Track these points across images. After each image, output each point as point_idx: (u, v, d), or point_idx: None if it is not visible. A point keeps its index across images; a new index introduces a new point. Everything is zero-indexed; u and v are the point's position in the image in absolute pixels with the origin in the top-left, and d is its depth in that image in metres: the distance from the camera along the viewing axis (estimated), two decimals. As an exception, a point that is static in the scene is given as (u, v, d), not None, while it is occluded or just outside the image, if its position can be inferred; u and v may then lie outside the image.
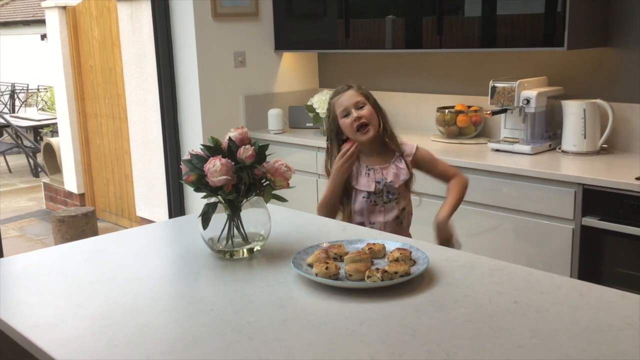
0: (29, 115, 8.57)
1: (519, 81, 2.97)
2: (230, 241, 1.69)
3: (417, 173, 2.28)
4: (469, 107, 3.40)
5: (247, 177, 1.62)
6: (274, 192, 1.68)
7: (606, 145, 2.92)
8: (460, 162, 2.90)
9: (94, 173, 5.61)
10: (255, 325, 1.31)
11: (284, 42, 4.03)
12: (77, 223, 4.67)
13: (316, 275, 1.49)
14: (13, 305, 1.45)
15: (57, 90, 5.77)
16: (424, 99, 3.72)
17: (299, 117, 3.91)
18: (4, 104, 11.37)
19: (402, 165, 2.22)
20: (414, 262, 1.57)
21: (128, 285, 1.54)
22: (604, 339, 1.22)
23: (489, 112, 3.08)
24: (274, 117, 3.82)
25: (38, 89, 11.60)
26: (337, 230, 1.95)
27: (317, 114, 3.61)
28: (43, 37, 12.94)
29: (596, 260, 2.57)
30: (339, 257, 1.60)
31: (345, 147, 2.19)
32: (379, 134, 2.21)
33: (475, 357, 1.16)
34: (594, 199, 2.52)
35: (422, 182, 2.34)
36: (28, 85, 11.68)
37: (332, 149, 2.27)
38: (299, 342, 1.24)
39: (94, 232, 4.76)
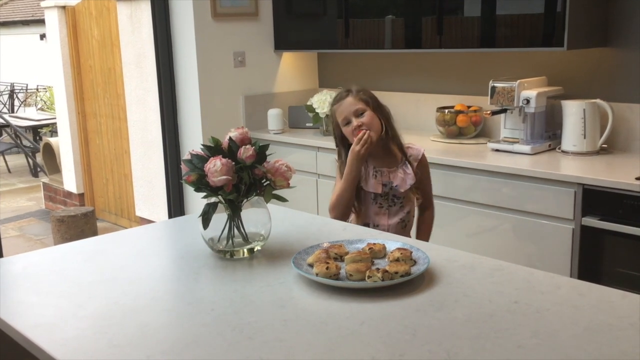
0: (28, 115, 8.57)
1: (518, 81, 2.97)
2: (230, 241, 1.69)
3: None
4: (469, 107, 3.40)
5: (248, 177, 1.62)
6: (275, 192, 1.68)
7: (606, 145, 2.92)
8: (460, 162, 2.91)
9: (93, 173, 5.61)
10: (255, 325, 1.31)
11: (283, 42, 4.03)
12: (77, 223, 4.67)
13: (317, 275, 1.49)
14: (13, 305, 1.45)
15: (56, 90, 5.77)
16: (424, 99, 3.72)
17: (298, 117, 3.91)
18: (3, 103, 11.37)
19: (409, 170, 2.22)
20: (415, 262, 1.57)
21: (128, 285, 1.54)
22: (604, 338, 1.22)
23: (488, 112, 3.08)
24: (274, 117, 3.82)
25: (37, 89, 11.59)
26: (337, 230, 1.95)
27: (317, 113, 3.61)
28: (42, 36, 12.94)
29: (596, 260, 2.57)
30: (340, 257, 1.60)
31: (358, 134, 2.15)
32: (382, 139, 2.19)
33: (475, 356, 1.16)
34: (594, 199, 2.52)
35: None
36: (27, 85, 11.67)
37: (341, 152, 2.26)
38: (300, 342, 1.24)
39: (94, 232, 4.76)
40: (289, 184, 1.69)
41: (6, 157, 8.18)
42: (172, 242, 2.01)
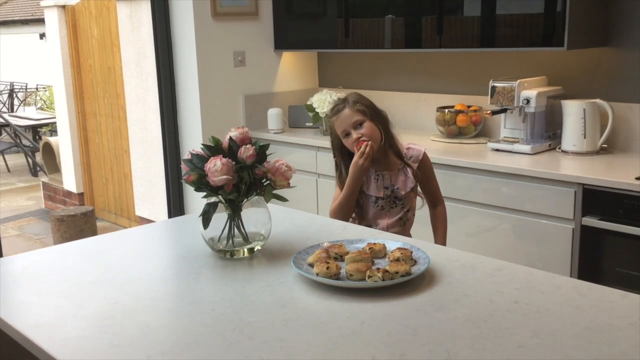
0: (27, 115, 8.56)
1: (518, 81, 2.97)
2: (230, 241, 1.69)
3: None
4: (469, 106, 3.40)
5: (248, 177, 1.62)
6: (275, 191, 1.68)
7: (606, 145, 2.92)
8: (460, 162, 2.91)
9: (93, 172, 5.60)
10: (256, 325, 1.31)
11: (283, 41, 4.03)
12: (76, 222, 4.66)
13: (317, 275, 1.49)
14: (13, 305, 1.45)
15: (56, 90, 5.77)
16: (424, 98, 3.72)
17: (298, 116, 3.91)
18: (2, 103, 11.36)
19: (409, 173, 2.23)
20: (415, 262, 1.57)
21: (128, 285, 1.54)
22: (604, 338, 1.22)
23: (488, 111, 3.08)
24: (274, 116, 3.82)
25: (37, 88, 11.59)
26: (337, 230, 1.95)
27: (317, 113, 3.61)
28: (42, 36, 12.94)
29: (596, 260, 2.57)
30: (340, 257, 1.60)
31: (359, 145, 2.15)
32: (384, 145, 2.20)
33: (476, 356, 1.16)
34: (594, 199, 2.52)
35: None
36: (27, 84, 11.67)
37: (341, 163, 2.26)
38: (300, 341, 1.24)
39: (93, 232, 4.75)
40: (289, 183, 1.69)
41: (6, 156, 8.18)
42: (172, 241, 2.01)
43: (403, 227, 2.24)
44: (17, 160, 8.43)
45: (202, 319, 1.34)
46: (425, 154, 2.29)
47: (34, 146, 7.91)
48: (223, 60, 3.83)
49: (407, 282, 1.47)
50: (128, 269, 1.65)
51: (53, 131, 8.43)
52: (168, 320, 1.38)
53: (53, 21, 5.48)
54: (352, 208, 2.23)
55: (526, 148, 2.95)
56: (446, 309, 1.36)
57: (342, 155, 2.25)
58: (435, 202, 2.37)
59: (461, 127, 3.36)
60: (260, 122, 3.94)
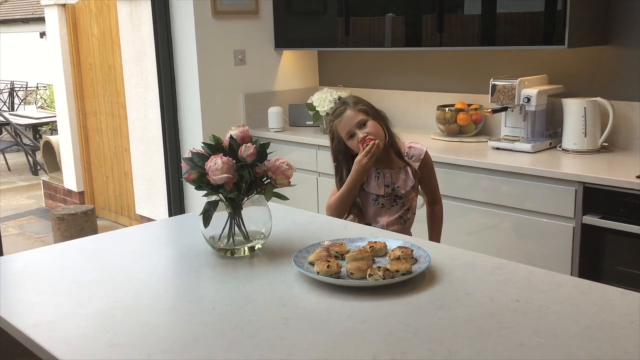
0: (28, 113, 8.56)
1: (519, 79, 2.96)
2: (231, 239, 1.69)
3: None
4: (469, 105, 3.39)
5: (248, 175, 1.62)
6: (275, 190, 1.68)
7: (607, 144, 2.92)
8: (461, 161, 2.91)
9: (93, 171, 5.60)
10: (256, 323, 1.30)
11: (284, 40, 4.03)
12: (77, 221, 4.67)
13: (317, 273, 1.49)
14: (14, 304, 1.44)
15: (56, 88, 5.77)
16: (424, 97, 3.72)
17: (299, 115, 3.91)
18: (3, 101, 11.36)
19: (410, 171, 2.24)
20: (416, 261, 1.56)
21: (129, 283, 1.54)
22: (605, 337, 1.22)
23: (489, 110, 3.08)
24: (274, 115, 3.82)
25: (37, 87, 11.59)
26: (338, 228, 1.95)
27: (317, 112, 3.61)
28: (42, 34, 12.94)
29: (597, 259, 2.57)
30: (341, 256, 1.60)
31: (366, 144, 2.14)
32: (387, 144, 2.20)
33: (476, 355, 1.16)
34: (595, 197, 2.52)
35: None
36: (27, 83, 11.66)
37: (341, 169, 2.25)
38: (301, 340, 1.24)
39: (94, 230, 4.76)
40: (289, 182, 1.68)
41: (6, 155, 8.18)
42: (172, 240, 2.01)
43: (403, 225, 2.24)
44: (17, 159, 8.43)
45: (202, 318, 1.34)
46: (426, 153, 2.29)
47: (35, 145, 7.91)
48: (223, 59, 3.83)
49: (408, 280, 1.47)
50: (128, 268, 1.65)
51: (53, 130, 8.42)
52: (168, 319, 1.37)
53: (53, 20, 5.48)
54: (349, 205, 2.22)
55: (527, 146, 2.95)
56: (447, 307, 1.36)
57: (346, 158, 2.23)
58: (434, 200, 2.37)
59: (462, 125, 3.36)
60: (260, 120, 3.94)
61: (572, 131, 2.89)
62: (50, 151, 6.22)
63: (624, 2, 2.90)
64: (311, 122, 3.77)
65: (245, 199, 1.67)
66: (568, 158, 2.86)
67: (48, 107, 10.23)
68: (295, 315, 1.35)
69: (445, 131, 3.41)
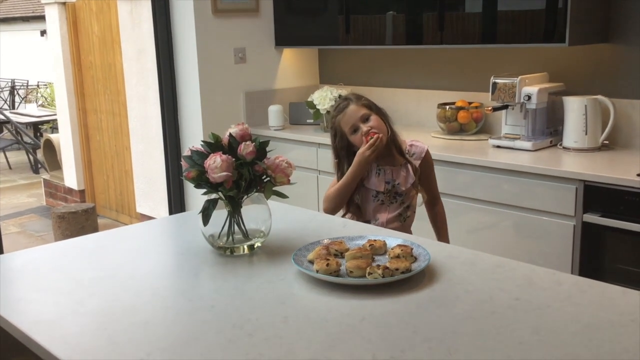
0: (28, 112, 8.55)
1: (520, 77, 2.96)
2: (230, 238, 1.68)
3: None
4: (470, 103, 3.39)
5: (248, 174, 1.62)
6: (275, 188, 1.67)
7: (607, 142, 2.91)
8: (461, 159, 2.90)
9: (94, 169, 5.60)
10: (255, 322, 1.30)
11: (284, 38, 4.02)
12: (77, 219, 4.67)
13: (317, 271, 1.49)
14: (13, 302, 1.44)
15: (57, 87, 5.77)
16: (425, 95, 3.71)
17: (299, 113, 3.90)
18: (3, 100, 11.36)
19: (411, 169, 2.24)
20: (415, 259, 1.56)
21: (128, 282, 1.54)
22: (605, 335, 1.21)
23: (489, 108, 3.07)
24: (275, 113, 3.81)
25: (38, 85, 11.59)
26: (338, 226, 1.95)
27: (318, 110, 3.60)
28: (43, 33, 12.93)
29: (597, 257, 2.56)
30: (340, 254, 1.60)
31: (370, 137, 2.14)
32: (388, 137, 2.21)
33: (476, 353, 1.16)
34: (595, 196, 2.51)
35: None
36: (28, 81, 11.66)
37: (343, 165, 2.25)
38: (300, 338, 1.23)
39: (94, 229, 4.75)
40: (289, 180, 1.68)
41: (7, 153, 8.18)
42: (172, 238, 2.01)
43: (403, 223, 2.24)
44: (18, 157, 8.43)
45: (201, 316, 1.34)
46: (428, 152, 2.29)
47: (35, 143, 7.91)
48: (223, 57, 3.82)
49: (408, 279, 1.47)
50: (128, 266, 1.65)
51: (54, 128, 8.42)
52: (167, 317, 1.37)
53: (54, 18, 5.48)
54: (347, 198, 2.22)
55: (527, 145, 2.94)
56: (447, 305, 1.36)
57: (348, 154, 2.23)
58: (434, 200, 2.37)
59: (462, 123, 3.36)
60: (261, 118, 3.94)
61: (573, 129, 2.89)
62: (50, 149, 6.22)
63: (625, 0, 2.89)
64: (311, 121, 3.77)
65: (245, 197, 1.66)
66: (569, 156, 2.85)
67: (49, 105, 10.22)
68: (294, 313, 1.34)
69: (446, 129, 3.40)
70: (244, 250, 1.70)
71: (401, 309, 1.34)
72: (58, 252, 1.80)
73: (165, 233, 2.06)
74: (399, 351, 1.17)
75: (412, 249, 1.59)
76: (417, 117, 3.73)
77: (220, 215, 1.66)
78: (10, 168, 7.94)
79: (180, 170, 3.76)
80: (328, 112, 3.57)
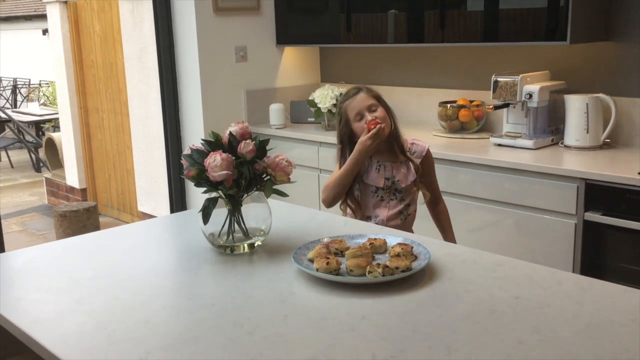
0: (30, 111, 8.57)
1: (521, 75, 2.95)
2: (231, 236, 1.68)
3: None
4: (471, 101, 3.39)
5: (248, 172, 1.61)
6: (275, 187, 1.67)
7: (609, 140, 2.91)
8: (462, 157, 2.90)
9: (95, 168, 5.61)
10: (255, 320, 1.30)
11: (285, 36, 4.02)
12: (79, 218, 4.67)
13: (317, 270, 1.48)
14: (13, 301, 1.44)
15: (58, 86, 5.77)
16: (426, 93, 3.71)
17: (300, 112, 3.90)
18: (5, 99, 11.38)
19: (412, 166, 2.24)
20: (416, 257, 1.56)
21: (128, 280, 1.54)
22: (605, 334, 1.21)
23: (491, 106, 3.07)
24: (276, 112, 3.81)
25: (40, 84, 11.60)
26: (338, 225, 1.95)
27: (319, 108, 3.60)
28: (45, 32, 12.93)
29: (598, 256, 2.56)
30: (340, 252, 1.60)
31: (370, 126, 2.16)
32: (391, 135, 2.22)
33: (476, 352, 1.15)
34: (597, 194, 2.51)
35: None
36: (30, 80, 11.68)
37: (345, 151, 2.26)
38: (300, 337, 1.23)
39: (96, 227, 4.76)
40: (289, 179, 1.68)
41: (9, 152, 8.19)
42: (172, 237, 2.01)
43: (404, 221, 2.24)
44: (20, 156, 8.44)
45: (201, 315, 1.34)
46: (428, 151, 2.30)
47: (37, 142, 7.92)
48: (225, 56, 3.82)
49: (408, 277, 1.47)
50: (128, 265, 1.65)
51: (56, 127, 8.42)
52: (167, 316, 1.37)
53: (55, 17, 5.48)
54: (346, 187, 2.22)
55: (529, 143, 2.94)
56: (446, 304, 1.36)
57: (350, 143, 2.25)
58: (436, 200, 2.38)
59: (463, 122, 3.35)
60: (262, 117, 3.94)
61: (574, 127, 2.88)
62: (52, 148, 6.22)
63: (627, -2, 2.89)
64: (313, 119, 3.76)
65: (245, 195, 1.66)
66: (570, 154, 2.85)
67: (51, 104, 10.23)
68: (294, 312, 1.34)
69: (447, 128, 3.40)
70: (244, 249, 1.70)
71: (401, 308, 1.34)
72: (58, 251, 1.80)
73: (165, 232, 2.06)
74: (399, 350, 1.17)
75: (412, 247, 1.58)
76: (418, 115, 3.72)
77: (220, 213, 1.66)
78: (12, 167, 7.95)
79: (181, 169, 3.77)
80: (329, 110, 3.56)
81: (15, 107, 10.83)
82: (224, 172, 1.57)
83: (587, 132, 2.86)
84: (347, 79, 4.01)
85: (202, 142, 1.66)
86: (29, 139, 8.04)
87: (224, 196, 1.64)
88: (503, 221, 2.81)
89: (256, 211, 1.70)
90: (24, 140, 7.94)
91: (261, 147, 1.65)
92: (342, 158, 2.26)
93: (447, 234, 2.37)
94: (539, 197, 2.67)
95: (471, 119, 3.34)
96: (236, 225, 1.69)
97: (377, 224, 2.16)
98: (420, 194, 2.34)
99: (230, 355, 1.17)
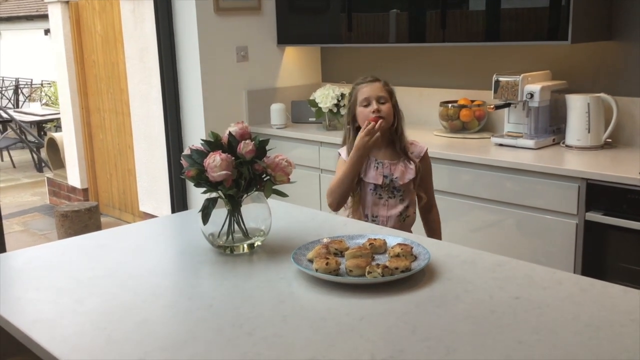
0: (32, 111, 8.58)
1: (522, 75, 2.95)
2: (230, 236, 1.68)
3: None
4: (472, 101, 3.38)
5: (247, 172, 1.61)
6: (275, 187, 1.67)
7: (610, 140, 2.90)
8: (463, 157, 2.89)
9: (97, 168, 5.61)
10: (254, 321, 1.30)
11: (286, 36, 4.02)
12: (80, 218, 4.67)
13: (316, 270, 1.48)
14: (12, 301, 1.44)
15: (60, 86, 5.78)
16: (427, 93, 3.70)
17: (301, 111, 3.90)
18: (8, 99, 11.39)
19: (412, 165, 2.24)
20: (415, 258, 1.56)
21: (128, 280, 1.54)
22: (605, 335, 1.21)
23: (492, 106, 3.06)
24: (277, 111, 3.81)
25: (42, 84, 11.61)
26: (338, 225, 1.95)
27: (320, 108, 3.60)
28: (47, 32, 12.95)
29: (600, 256, 2.55)
30: (340, 253, 1.60)
31: (370, 122, 2.16)
32: (390, 131, 2.23)
33: (475, 353, 1.15)
34: (598, 194, 2.50)
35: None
36: (32, 80, 11.69)
37: (350, 132, 2.28)
38: (299, 337, 1.23)
39: (97, 227, 4.76)
40: (289, 179, 1.68)
41: (11, 152, 8.20)
42: (172, 237, 2.01)
43: (403, 222, 2.24)
44: (22, 156, 8.45)
45: (201, 315, 1.34)
46: (426, 152, 2.30)
47: (39, 142, 7.93)
48: (226, 56, 3.82)
49: (407, 278, 1.46)
50: (128, 265, 1.65)
51: (58, 127, 8.44)
52: (167, 316, 1.37)
53: (57, 17, 5.48)
54: (350, 188, 2.21)
55: (530, 143, 2.93)
56: (446, 304, 1.35)
57: (353, 128, 2.27)
58: (429, 205, 2.36)
59: (464, 121, 3.35)
60: (263, 117, 3.94)
61: (576, 127, 2.88)
62: (54, 148, 6.23)
63: (628, -3, 2.88)
64: (314, 119, 3.76)
65: (245, 196, 1.66)
66: (571, 154, 2.84)
67: (53, 104, 10.24)
68: (293, 312, 1.34)
69: (448, 127, 3.39)
70: (243, 249, 1.70)
71: (400, 308, 1.34)
72: (59, 251, 1.80)
73: (165, 232, 2.06)
74: (398, 350, 1.17)
75: (412, 247, 1.58)
76: (419, 115, 3.72)
77: (220, 214, 1.66)
78: (14, 167, 7.96)
79: (182, 169, 3.78)
80: (330, 110, 3.56)
81: (17, 107, 10.84)
82: (224, 172, 1.57)
83: (589, 132, 2.85)
84: (348, 79, 4.01)
85: (202, 142, 1.66)
86: (31, 139, 8.05)
87: (223, 196, 1.64)
88: (504, 221, 2.80)
89: (256, 211, 1.70)
90: (26, 141, 7.95)
91: (261, 148, 1.65)
92: (347, 140, 2.28)
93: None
94: (540, 197, 2.66)
95: (472, 118, 3.34)
96: (236, 226, 1.68)
97: (377, 224, 2.16)
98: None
99: (228, 355, 1.17)
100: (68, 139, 5.70)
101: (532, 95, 2.92)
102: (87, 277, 1.57)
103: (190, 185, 3.94)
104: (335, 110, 3.56)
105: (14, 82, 11.58)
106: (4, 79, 11.94)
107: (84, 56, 5.50)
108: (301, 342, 1.22)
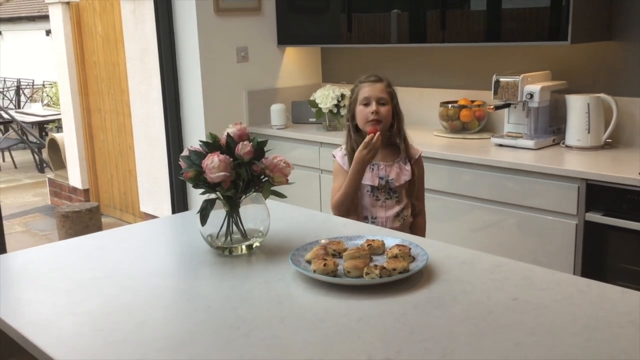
0: (34, 111, 8.58)
1: (522, 75, 2.95)
2: (229, 238, 1.68)
3: None
4: (472, 101, 3.38)
5: (246, 174, 1.61)
6: (273, 188, 1.67)
7: (610, 140, 2.90)
8: (464, 157, 2.89)
9: (98, 168, 5.62)
10: (252, 322, 1.30)
11: (286, 36, 4.02)
12: (81, 218, 4.68)
13: (314, 272, 1.48)
14: (10, 302, 1.44)
15: (61, 86, 5.78)
16: (427, 93, 3.70)
17: (301, 112, 3.90)
18: (9, 99, 11.40)
19: (407, 166, 2.24)
20: (413, 259, 1.56)
21: (126, 282, 1.54)
22: (603, 336, 1.21)
23: (492, 106, 3.06)
24: (277, 112, 3.81)
25: (43, 85, 11.62)
26: (337, 226, 1.95)
27: (320, 109, 3.60)
28: (48, 32, 12.96)
29: (599, 256, 2.55)
30: (338, 254, 1.60)
31: (368, 136, 2.16)
32: (386, 134, 2.22)
33: (472, 354, 1.15)
34: (598, 194, 2.50)
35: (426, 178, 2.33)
36: (33, 80, 11.70)
37: (349, 130, 2.28)
38: (296, 339, 1.23)
39: (98, 228, 4.76)
40: (287, 180, 1.68)
41: (12, 152, 8.21)
42: (171, 238, 2.01)
43: (402, 223, 2.23)
44: (23, 156, 8.46)
45: (198, 316, 1.34)
46: (420, 156, 2.30)
47: (40, 142, 7.94)
48: (226, 56, 3.82)
49: (405, 279, 1.46)
50: (126, 266, 1.65)
51: (59, 127, 8.44)
52: (164, 318, 1.37)
53: (58, 18, 5.49)
54: (355, 198, 2.22)
55: (530, 143, 2.93)
56: (444, 306, 1.35)
57: (352, 125, 2.27)
58: (417, 210, 2.33)
59: (464, 122, 3.34)
60: (263, 117, 3.94)
61: (576, 127, 2.88)
62: (55, 149, 6.23)
63: (628, -3, 2.88)
64: (314, 119, 3.76)
65: (243, 197, 1.66)
66: (571, 155, 2.84)
67: (54, 104, 10.25)
68: (291, 313, 1.34)
69: (448, 128, 3.39)
70: (242, 250, 1.70)
71: (398, 310, 1.34)
72: (58, 252, 1.80)
73: (164, 233, 2.06)
74: (395, 352, 1.17)
75: (410, 248, 1.58)
76: (419, 115, 3.71)
77: (218, 215, 1.66)
78: (15, 167, 7.97)
79: (181, 170, 3.78)
80: (330, 111, 3.56)
81: (19, 107, 10.85)
82: (222, 173, 1.57)
83: (589, 132, 2.85)
84: (348, 79, 4.01)
85: (200, 143, 1.66)
86: (32, 140, 8.06)
87: (221, 197, 1.64)
88: (504, 221, 2.80)
89: (254, 212, 1.70)
90: (27, 141, 7.96)
91: (259, 149, 1.65)
92: (348, 136, 2.28)
93: None
94: (540, 198, 2.66)
95: (472, 119, 3.34)
96: (234, 227, 1.68)
97: (376, 225, 2.16)
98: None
99: (226, 356, 1.17)
100: (69, 139, 5.71)
101: (532, 96, 2.92)
102: (86, 278, 1.57)
103: (190, 185, 3.94)
104: (335, 110, 3.56)
105: (15, 83, 11.59)
106: (6, 79, 11.96)
107: (85, 57, 5.50)
108: (299, 343, 1.22)
